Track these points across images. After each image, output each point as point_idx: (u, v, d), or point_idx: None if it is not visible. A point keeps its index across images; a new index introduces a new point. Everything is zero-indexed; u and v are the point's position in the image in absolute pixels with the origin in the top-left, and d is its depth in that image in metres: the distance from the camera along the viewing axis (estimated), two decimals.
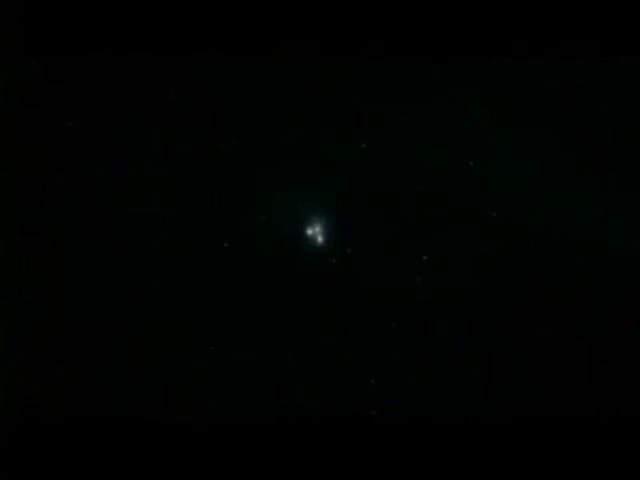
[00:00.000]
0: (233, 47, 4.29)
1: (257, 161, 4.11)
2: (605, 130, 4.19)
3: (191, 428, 4.03)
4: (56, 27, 4.26)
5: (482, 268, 4.09)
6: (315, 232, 3.93)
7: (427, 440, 3.96)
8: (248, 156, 4.13)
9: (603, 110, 4.29)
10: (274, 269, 3.95)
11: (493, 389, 4.04)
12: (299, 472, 3.92)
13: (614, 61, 4.40)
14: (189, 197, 4.04)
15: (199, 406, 4.06)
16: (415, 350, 3.96)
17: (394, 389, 4.00)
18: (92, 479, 3.95)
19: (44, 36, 4.29)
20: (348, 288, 3.99)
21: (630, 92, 4.47)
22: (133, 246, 4.24)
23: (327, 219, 4.04)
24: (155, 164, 4.17)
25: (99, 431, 4.04)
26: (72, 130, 4.27)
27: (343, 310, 3.98)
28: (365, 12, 4.17)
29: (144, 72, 4.20)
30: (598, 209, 4.26)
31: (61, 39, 4.26)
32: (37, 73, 4.27)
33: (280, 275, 3.95)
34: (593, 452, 3.98)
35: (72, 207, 4.30)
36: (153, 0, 4.24)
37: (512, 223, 4.14)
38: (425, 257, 3.99)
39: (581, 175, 4.30)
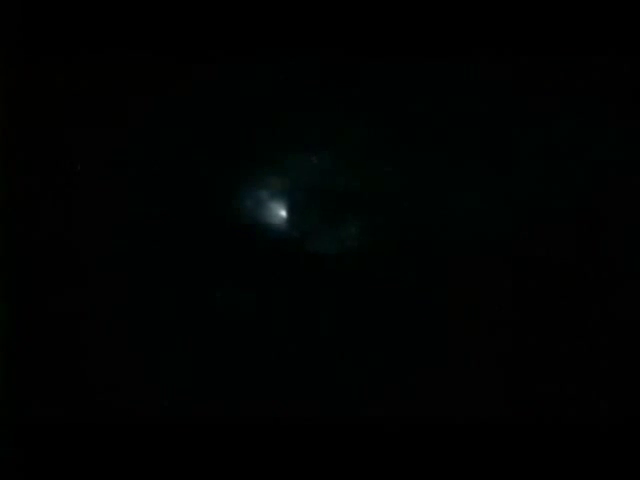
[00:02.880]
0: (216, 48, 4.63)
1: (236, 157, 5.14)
2: (462, 128, 4.66)
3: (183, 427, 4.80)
4: (54, 26, 4.59)
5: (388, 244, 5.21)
6: (283, 217, 5.16)
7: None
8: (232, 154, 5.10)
9: (465, 109, 4.75)
10: (253, 244, 5.22)
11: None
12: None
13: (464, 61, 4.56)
14: (176, 192, 5.13)
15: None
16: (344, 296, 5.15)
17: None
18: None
19: (43, 36, 4.62)
20: (303, 251, 5.28)
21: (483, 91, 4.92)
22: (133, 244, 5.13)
23: (291, 208, 5.26)
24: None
25: (98, 432, 4.86)
26: (70, 129, 4.92)
27: (296, 265, 5.28)
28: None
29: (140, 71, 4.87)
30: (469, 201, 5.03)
31: (58, 39, 4.61)
32: (36, 73, 4.79)
33: (257, 246, 5.23)
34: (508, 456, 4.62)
35: (71, 205, 4.97)
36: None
37: (409, 211, 5.11)
38: (355, 229, 5.15)
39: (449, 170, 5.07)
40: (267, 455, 3.71)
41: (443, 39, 4.23)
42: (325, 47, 4.21)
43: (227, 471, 3.82)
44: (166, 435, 3.88)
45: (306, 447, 3.62)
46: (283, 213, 4.66)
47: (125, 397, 4.08)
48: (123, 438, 3.72)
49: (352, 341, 4.51)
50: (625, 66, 3.95)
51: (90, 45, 4.19)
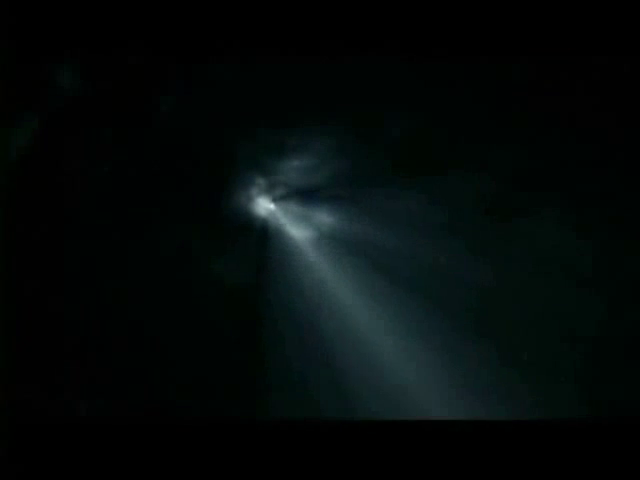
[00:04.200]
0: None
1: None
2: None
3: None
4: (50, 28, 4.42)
5: None
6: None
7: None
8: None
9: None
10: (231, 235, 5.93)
11: None
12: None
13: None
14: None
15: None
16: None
17: None
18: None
19: (39, 37, 4.41)
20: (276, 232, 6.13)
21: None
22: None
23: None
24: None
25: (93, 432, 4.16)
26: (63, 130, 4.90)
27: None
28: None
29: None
30: None
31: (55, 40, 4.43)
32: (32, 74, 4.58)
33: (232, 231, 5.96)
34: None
35: (68, 209, 4.98)
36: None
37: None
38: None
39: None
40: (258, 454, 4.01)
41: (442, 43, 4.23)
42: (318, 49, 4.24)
43: (222, 470, 4.03)
44: (163, 434, 4.22)
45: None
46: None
47: (123, 397, 4.72)
48: (119, 437, 4.06)
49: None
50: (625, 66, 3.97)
51: (85, 47, 4.71)
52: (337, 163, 6.05)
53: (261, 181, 6.06)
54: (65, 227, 4.97)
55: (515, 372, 5.38)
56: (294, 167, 6.10)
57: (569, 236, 5.69)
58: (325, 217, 6.19)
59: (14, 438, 3.99)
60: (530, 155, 5.76)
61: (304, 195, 6.23)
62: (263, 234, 6.02)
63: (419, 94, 5.49)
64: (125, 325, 5.26)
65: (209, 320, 5.26)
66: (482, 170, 5.90)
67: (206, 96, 5.18)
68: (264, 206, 6.11)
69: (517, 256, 5.97)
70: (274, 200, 6.18)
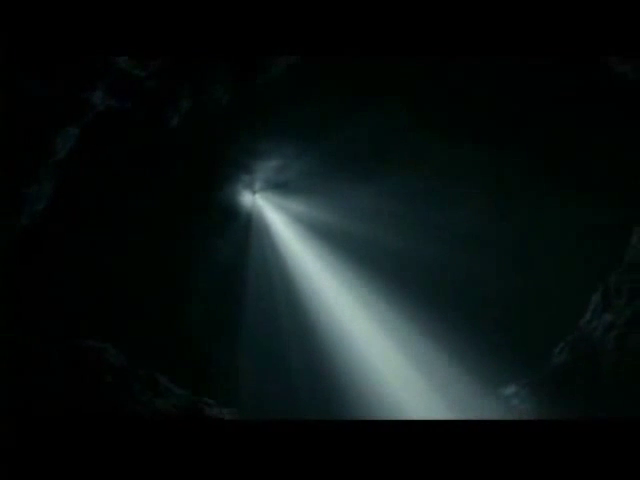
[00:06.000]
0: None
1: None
2: None
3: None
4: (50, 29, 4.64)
5: None
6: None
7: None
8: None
9: None
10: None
11: None
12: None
13: None
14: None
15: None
16: None
17: None
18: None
19: (39, 37, 4.63)
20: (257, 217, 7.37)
21: None
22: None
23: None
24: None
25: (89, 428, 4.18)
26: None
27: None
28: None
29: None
30: None
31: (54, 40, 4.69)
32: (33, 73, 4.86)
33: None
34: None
35: (67, 211, 6.00)
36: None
37: None
38: None
39: None
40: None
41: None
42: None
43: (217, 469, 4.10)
44: (159, 433, 4.34)
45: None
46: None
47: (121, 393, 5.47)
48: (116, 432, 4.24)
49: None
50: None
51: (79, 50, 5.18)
52: (302, 162, 7.59)
53: (245, 178, 7.67)
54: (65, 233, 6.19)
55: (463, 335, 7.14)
56: (269, 166, 7.69)
57: (490, 221, 7.15)
58: (296, 205, 7.95)
59: (13, 435, 4.00)
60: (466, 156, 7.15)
61: (279, 188, 7.95)
62: (248, 219, 7.73)
63: (374, 100, 6.71)
64: (129, 296, 6.51)
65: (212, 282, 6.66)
66: (423, 168, 7.21)
67: (203, 112, 6.35)
68: (248, 197, 7.82)
69: (455, 237, 7.37)
70: (255, 192, 7.87)
